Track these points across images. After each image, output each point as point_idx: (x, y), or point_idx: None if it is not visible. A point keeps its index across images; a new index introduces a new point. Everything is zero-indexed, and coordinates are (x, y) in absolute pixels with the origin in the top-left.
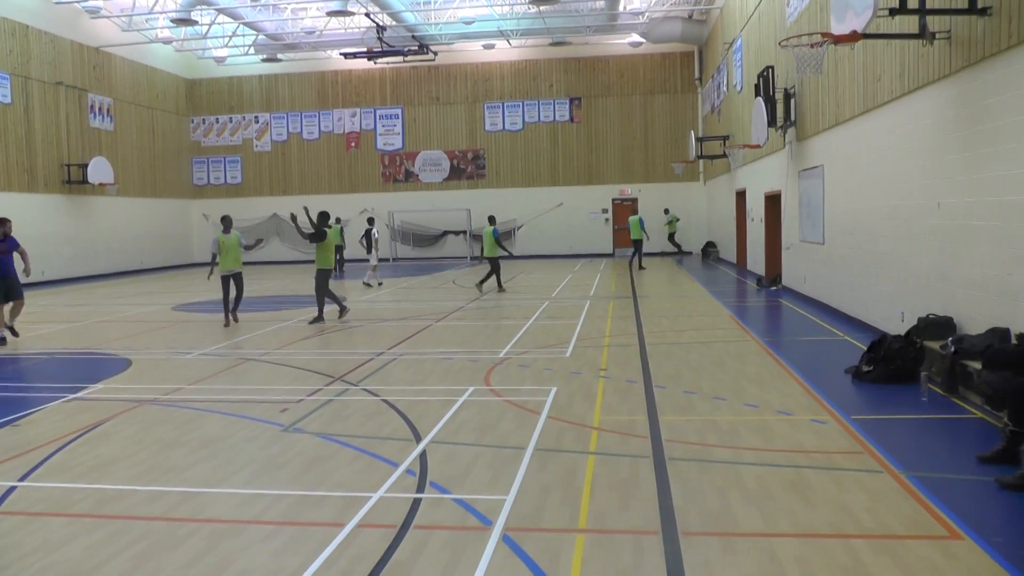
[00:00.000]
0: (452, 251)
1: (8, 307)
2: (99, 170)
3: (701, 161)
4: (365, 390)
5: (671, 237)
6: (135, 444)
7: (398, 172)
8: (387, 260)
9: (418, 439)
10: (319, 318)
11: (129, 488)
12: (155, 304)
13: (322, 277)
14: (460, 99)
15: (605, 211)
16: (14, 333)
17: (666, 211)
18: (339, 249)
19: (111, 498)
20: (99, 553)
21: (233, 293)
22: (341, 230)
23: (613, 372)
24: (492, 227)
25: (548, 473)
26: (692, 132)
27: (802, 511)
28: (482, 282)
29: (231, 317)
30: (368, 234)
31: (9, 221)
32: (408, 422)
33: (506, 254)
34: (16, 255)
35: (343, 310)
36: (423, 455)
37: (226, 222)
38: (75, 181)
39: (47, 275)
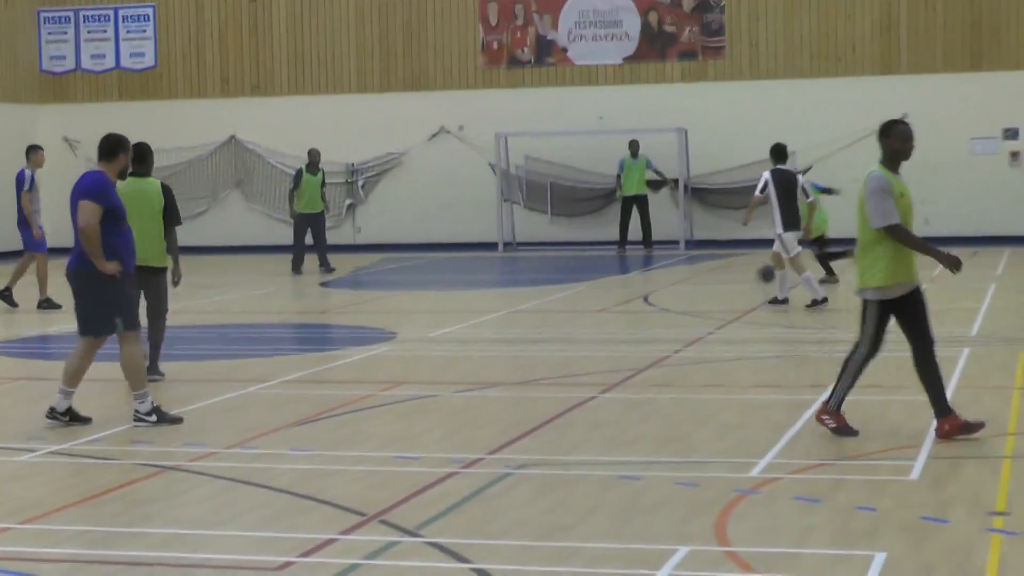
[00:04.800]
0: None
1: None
2: None
3: None
4: (432, 545)
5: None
6: None
7: (519, 45)
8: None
9: None
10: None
11: None
12: None
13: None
14: None
15: (1012, 133)
16: (157, 417)
17: (634, 147)
18: (315, 221)
19: None
20: None
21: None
22: (322, 182)
23: None
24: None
25: None
26: None
27: None
28: None
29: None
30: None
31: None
32: None
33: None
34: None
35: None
36: None
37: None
38: None
39: None
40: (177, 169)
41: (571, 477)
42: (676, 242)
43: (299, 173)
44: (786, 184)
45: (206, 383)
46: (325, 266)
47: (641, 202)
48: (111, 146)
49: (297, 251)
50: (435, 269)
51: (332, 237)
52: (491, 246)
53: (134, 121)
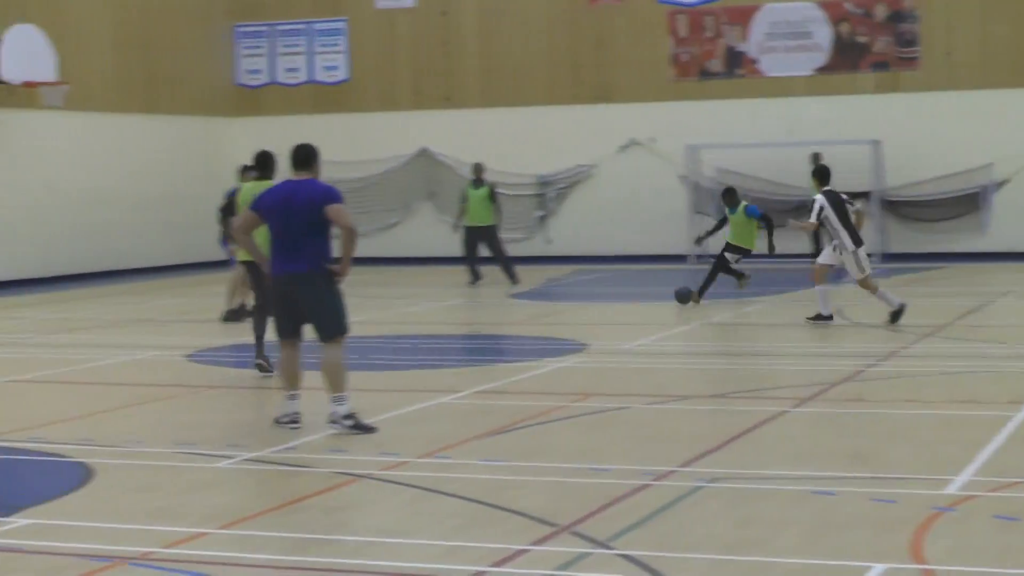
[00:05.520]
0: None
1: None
2: (25, 57)
3: None
4: (624, 557)
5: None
6: None
7: (708, 56)
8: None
9: None
10: (264, 366)
11: None
12: (147, 346)
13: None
14: None
15: None
16: (353, 422)
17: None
18: (485, 234)
19: None
20: None
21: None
22: (492, 192)
23: None
24: None
25: None
26: None
27: None
28: None
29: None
30: None
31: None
32: None
33: None
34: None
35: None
36: None
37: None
38: None
39: None
40: (369, 181)
41: (763, 491)
42: (870, 255)
43: (465, 188)
44: (839, 204)
45: (398, 393)
46: (511, 278)
47: None
48: (308, 154)
49: (467, 264)
50: (626, 281)
51: (523, 249)
52: (681, 258)
53: (327, 133)
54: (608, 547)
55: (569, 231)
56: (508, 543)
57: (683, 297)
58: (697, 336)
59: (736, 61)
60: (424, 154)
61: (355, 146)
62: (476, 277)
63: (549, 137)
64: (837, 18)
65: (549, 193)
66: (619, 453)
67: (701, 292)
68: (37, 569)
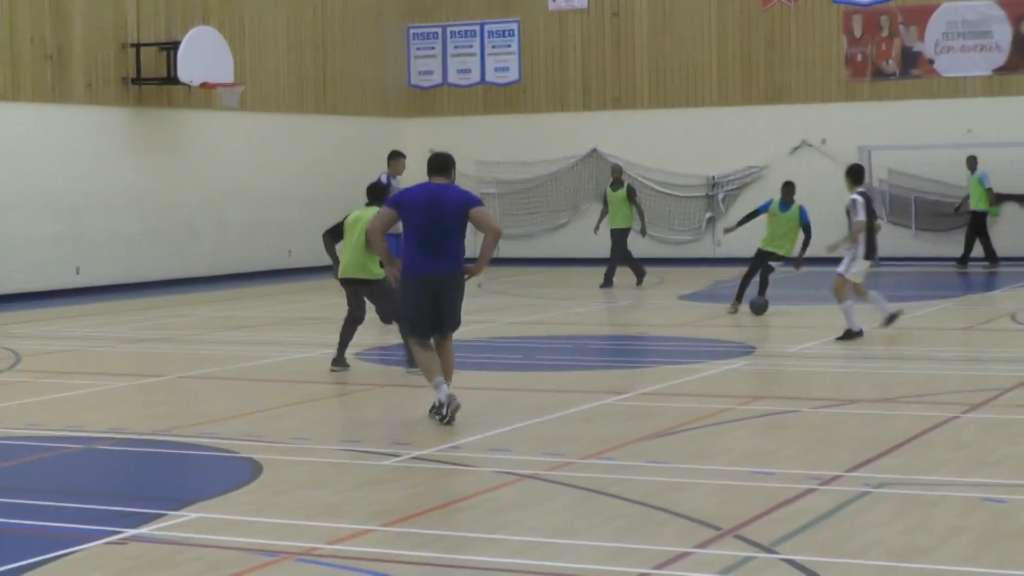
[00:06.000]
0: (1013, 242)
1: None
2: (202, 58)
3: None
4: (787, 562)
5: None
6: None
7: (883, 56)
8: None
9: None
10: (338, 360)
11: None
12: (316, 344)
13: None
14: None
15: None
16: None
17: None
18: (622, 236)
19: None
20: None
21: None
22: (631, 191)
23: None
24: None
25: None
26: None
27: None
28: None
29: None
30: None
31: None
32: None
33: None
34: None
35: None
36: None
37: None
38: (150, 80)
39: (87, 274)
40: (539, 182)
41: (932, 498)
42: None
43: (604, 191)
44: (869, 207)
45: (563, 393)
46: (607, 280)
47: (977, 218)
48: (446, 161)
49: (628, 265)
50: (794, 283)
51: (692, 251)
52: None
53: (497, 134)
54: (772, 551)
55: (738, 233)
56: (671, 546)
57: (759, 308)
58: (865, 340)
59: (911, 61)
60: (594, 155)
61: (525, 147)
62: (641, 275)
63: (719, 138)
64: (1017, 17)
65: (719, 194)
66: (785, 457)
67: (739, 297)
68: (206, 562)
